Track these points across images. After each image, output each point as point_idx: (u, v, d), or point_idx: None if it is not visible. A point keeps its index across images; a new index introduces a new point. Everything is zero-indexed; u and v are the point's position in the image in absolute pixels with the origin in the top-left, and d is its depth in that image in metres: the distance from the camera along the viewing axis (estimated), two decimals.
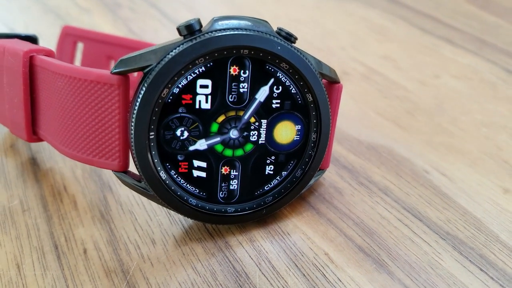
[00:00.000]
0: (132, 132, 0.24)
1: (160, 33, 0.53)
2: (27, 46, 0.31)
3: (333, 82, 0.28)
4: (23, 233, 0.28)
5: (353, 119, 0.38)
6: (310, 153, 0.28)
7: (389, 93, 0.41)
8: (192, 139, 0.26)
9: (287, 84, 0.26)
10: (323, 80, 0.27)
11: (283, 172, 0.28)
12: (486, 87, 0.41)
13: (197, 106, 0.25)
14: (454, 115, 0.37)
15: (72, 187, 0.32)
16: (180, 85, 0.25)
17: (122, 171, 0.27)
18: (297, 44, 0.26)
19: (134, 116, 0.24)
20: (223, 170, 0.27)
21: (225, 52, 0.25)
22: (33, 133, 0.32)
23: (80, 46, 0.43)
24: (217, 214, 0.27)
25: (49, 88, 0.29)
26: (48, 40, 0.44)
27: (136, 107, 0.24)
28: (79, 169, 0.33)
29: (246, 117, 0.26)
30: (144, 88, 0.24)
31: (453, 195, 0.30)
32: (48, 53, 0.30)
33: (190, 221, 0.29)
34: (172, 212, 0.29)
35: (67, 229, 0.28)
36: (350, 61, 0.46)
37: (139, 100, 0.24)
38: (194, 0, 0.61)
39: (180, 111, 0.25)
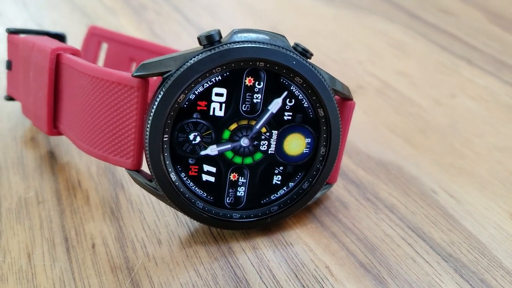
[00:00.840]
0: (148, 133, 0.25)
1: (181, 37, 0.55)
2: (55, 44, 0.32)
3: (345, 98, 0.29)
4: (36, 224, 0.29)
5: (364, 133, 0.38)
6: (318, 167, 0.28)
7: (403, 110, 0.41)
8: (204, 145, 0.27)
9: (300, 98, 0.27)
10: (335, 96, 0.27)
11: (290, 183, 0.28)
12: (502, 110, 0.41)
13: (211, 113, 0.26)
14: (467, 137, 0.37)
15: (86, 183, 0.33)
16: (196, 92, 0.26)
17: (135, 169, 0.27)
18: (314, 55, 0.27)
19: (150, 118, 0.25)
20: (231, 177, 0.28)
21: (241, 64, 0.26)
22: (54, 127, 0.33)
23: (104, 46, 0.44)
24: (222, 219, 0.28)
25: (73, 86, 0.30)
26: (74, 38, 0.45)
27: (153, 110, 0.25)
28: (94, 166, 0.34)
29: (257, 126, 0.27)
30: (162, 93, 0.25)
31: (459, 217, 0.30)
32: (75, 52, 0.32)
33: (196, 224, 0.29)
34: (180, 214, 0.30)
35: (78, 223, 0.29)
36: (366, 75, 0.46)
37: (156, 103, 0.25)
38: (217, 7, 0.62)
39: (195, 116, 0.26)
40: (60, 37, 0.38)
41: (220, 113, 0.26)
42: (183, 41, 0.54)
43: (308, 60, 0.27)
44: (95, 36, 0.45)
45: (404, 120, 0.39)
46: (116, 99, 0.27)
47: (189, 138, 0.26)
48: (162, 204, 0.31)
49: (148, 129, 0.25)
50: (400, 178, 0.33)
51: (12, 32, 0.36)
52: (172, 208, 0.30)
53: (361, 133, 0.38)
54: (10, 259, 0.27)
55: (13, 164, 0.34)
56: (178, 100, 0.25)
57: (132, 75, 0.26)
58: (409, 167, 0.34)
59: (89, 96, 0.28)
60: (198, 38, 0.25)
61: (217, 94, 0.26)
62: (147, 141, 0.25)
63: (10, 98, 0.38)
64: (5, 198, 0.31)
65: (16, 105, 0.39)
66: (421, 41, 0.52)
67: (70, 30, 0.52)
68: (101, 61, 0.44)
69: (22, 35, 0.35)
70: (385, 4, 0.61)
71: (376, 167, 0.34)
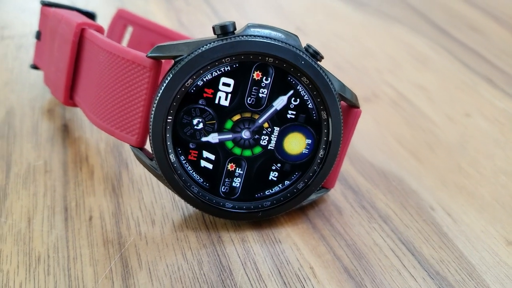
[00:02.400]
0: (153, 112, 0.26)
1: (206, 28, 0.55)
2: (82, 19, 0.33)
3: (352, 106, 0.29)
4: (40, 192, 0.31)
5: (371, 142, 0.38)
6: (315, 169, 0.28)
7: (415, 123, 0.40)
8: (205, 132, 0.28)
9: (305, 98, 0.27)
10: (342, 102, 0.28)
11: (286, 181, 0.29)
12: None
13: (216, 101, 0.27)
14: (475, 157, 0.37)
15: (93, 158, 0.34)
16: (204, 79, 0.26)
17: (138, 147, 0.28)
18: (333, 58, 0.27)
19: (157, 98, 0.26)
20: (229, 166, 0.28)
21: (251, 57, 0.26)
22: (70, 98, 0.34)
23: (129, 29, 0.45)
24: (214, 206, 0.28)
25: (92, 60, 0.31)
26: (104, 18, 0.47)
27: (161, 91, 0.26)
28: (103, 143, 0.36)
29: (260, 121, 0.28)
30: (171, 75, 0.26)
31: (453, 236, 0.30)
32: (98, 29, 0.33)
33: (191, 210, 0.30)
34: (177, 198, 0.31)
35: (79, 196, 0.31)
36: (382, 84, 0.46)
37: (164, 84, 0.26)
38: (246, 3, 0.62)
39: (200, 102, 0.27)
40: (90, 15, 0.39)
41: (225, 102, 0.27)
42: (207, 33, 0.55)
43: (318, 62, 0.27)
44: (122, 19, 0.46)
45: (414, 134, 0.39)
46: (129, 77, 0.28)
47: (192, 122, 0.27)
48: (162, 186, 0.32)
49: (154, 108, 0.26)
50: (400, 190, 0.33)
51: (46, 4, 0.37)
52: (170, 192, 0.31)
53: (368, 141, 0.38)
54: (12, 221, 0.29)
55: (27, 133, 0.36)
56: (186, 84, 0.26)
57: (146, 56, 0.27)
58: (411, 180, 0.34)
59: (105, 72, 0.29)
60: (213, 28, 0.26)
61: (224, 84, 0.27)
62: (151, 120, 0.26)
63: (35, 67, 0.40)
64: (15, 163, 0.33)
65: (39, 77, 0.41)
66: (444, 56, 0.51)
67: (101, 10, 0.54)
68: (124, 43, 0.45)
69: (54, 8, 0.36)
70: (416, 16, 0.60)
71: (377, 176, 0.34)
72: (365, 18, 0.59)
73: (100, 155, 0.34)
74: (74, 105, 0.35)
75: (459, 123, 0.41)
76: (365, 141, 0.38)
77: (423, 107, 0.43)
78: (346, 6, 0.62)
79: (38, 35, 0.39)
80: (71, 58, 0.33)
